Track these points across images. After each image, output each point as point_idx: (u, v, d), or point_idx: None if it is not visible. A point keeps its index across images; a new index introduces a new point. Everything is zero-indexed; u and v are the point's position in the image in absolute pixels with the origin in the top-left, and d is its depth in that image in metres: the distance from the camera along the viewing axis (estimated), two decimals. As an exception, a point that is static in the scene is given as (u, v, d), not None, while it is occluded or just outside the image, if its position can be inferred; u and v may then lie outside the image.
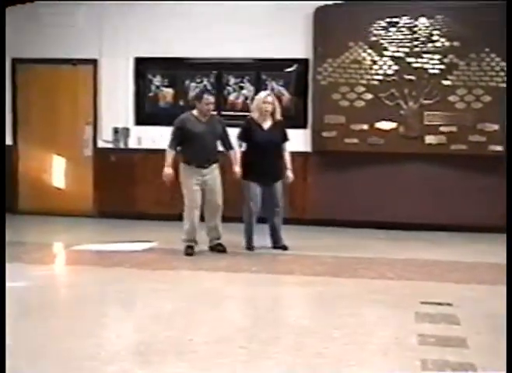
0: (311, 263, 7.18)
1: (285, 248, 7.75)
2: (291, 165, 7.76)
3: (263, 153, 7.53)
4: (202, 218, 7.60)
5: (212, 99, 7.52)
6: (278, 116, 7.74)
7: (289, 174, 7.73)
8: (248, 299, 5.73)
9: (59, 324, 4.93)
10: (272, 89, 9.47)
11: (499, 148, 8.94)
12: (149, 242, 8.14)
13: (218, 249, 7.59)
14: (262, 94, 7.86)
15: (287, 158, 7.74)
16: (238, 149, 7.66)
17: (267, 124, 7.69)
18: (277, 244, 7.80)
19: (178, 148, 7.54)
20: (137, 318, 5.13)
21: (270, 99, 7.71)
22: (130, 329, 4.87)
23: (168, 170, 7.48)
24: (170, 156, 7.50)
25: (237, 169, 7.58)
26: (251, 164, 7.59)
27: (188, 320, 5.02)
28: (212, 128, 7.48)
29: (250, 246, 7.73)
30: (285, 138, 7.75)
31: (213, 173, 7.49)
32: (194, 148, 7.39)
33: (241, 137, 7.69)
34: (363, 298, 5.75)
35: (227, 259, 7.24)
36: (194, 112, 7.56)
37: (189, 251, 7.46)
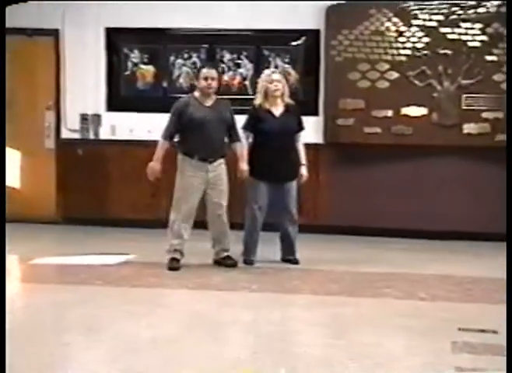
0: (323, 279, 7.16)
1: (295, 262, 7.71)
2: (306, 159, 7.69)
3: (275, 145, 7.47)
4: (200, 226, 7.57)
5: (212, 72, 7.39)
6: (287, 99, 7.66)
7: (303, 171, 7.67)
8: (247, 325, 5.68)
9: (10, 356, 4.85)
10: (276, 67, 9.42)
11: (556, 138, 8.87)
12: (125, 254, 8.12)
13: (226, 263, 7.55)
14: (266, 72, 7.78)
15: (301, 151, 7.68)
16: (245, 142, 7.58)
17: (278, 110, 7.62)
18: (288, 256, 7.76)
19: (176, 138, 7.48)
20: (107, 349, 5.07)
21: (277, 76, 7.64)
22: (99, 362, 4.81)
23: (155, 164, 7.41)
24: (161, 147, 7.45)
25: (245, 166, 7.51)
26: (260, 158, 7.52)
27: (172, 352, 4.95)
28: (218, 114, 7.39)
29: (248, 260, 7.67)
30: (300, 127, 7.69)
31: (218, 170, 7.42)
32: (196, 137, 7.31)
33: (248, 128, 7.61)
34: (387, 322, 5.70)
35: (221, 275, 7.23)
36: (196, 93, 7.50)
37: (174, 264, 7.42)
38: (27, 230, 9.49)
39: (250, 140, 7.62)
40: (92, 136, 9.94)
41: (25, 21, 9.77)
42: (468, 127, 9.14)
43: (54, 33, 9.87)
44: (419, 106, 9.19)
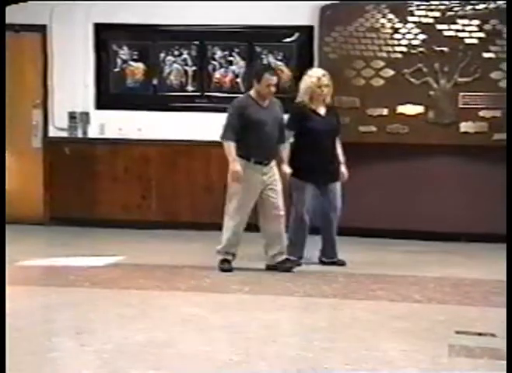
0: (316, 281, 7.15)
1: (342, 263, 7.80)
2: (344, 158, 7.77)
3: (323, 145, 7.57)
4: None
5: (275, 79, 7.36)
6: (329, 100, 7.74)
7: (344, 169, 7.75)
8: (240, 327, 5.67)
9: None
10: (269, 65, 9.43)
11: (555, 137, 8.90)
12: (114, 255, 8.10)
13: (285, 267, 7.47)
14: (315, 73, 7.76)
15: (340, 150, 7.77)
16: (287, 144, 7.59)
17: (322, 110, 7.69)
18: (333, 257, 7.83)
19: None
20: (96, 353, 5.04)
21: (326, 81, 7.66)
22: (88, 366, 4.80)
23: (238, 166, 7.26)
24: (233, 149, 7.28)
25: (288, 168, 7.53)
26: (309, 160, 7.54)
27: (162, 355, 4.95)
28: (274, 115, 7.42)
29: (297, 261, 7.67)
30: (340, 127, 7.80)
31: (273, 171, 7.42)
32: (255, 139, 7.26)
33: (292, 127, 7.61)
34: (382, 326, 5.70)
35: (212, 277, 7.22)
36: (252, 93, 7.44)
37: (226, 266, 7.42)
38: (14, 231, 9.37)
39: (291, 140, 7.64)
40: (80, 135, 9.92)
41: (12, 16, 9.71)
42: (465, 126, 9.15)
43: (42, 29, 9.85)
44: (415, 104, 9.20)
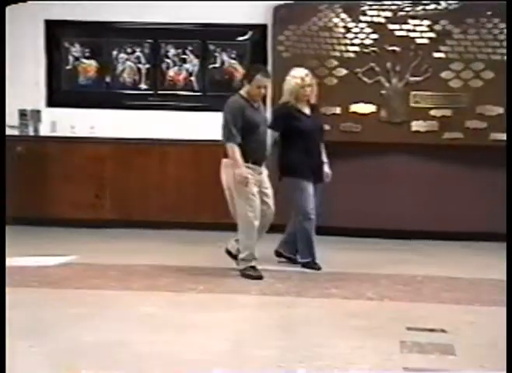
0: (271, 279, 7.17)
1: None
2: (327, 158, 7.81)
3: (312, 145, 7.61)
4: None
5: (265, 81, 7.25)
6: (314, 99, 7.76)
7: (327, 170, 7.78)
8: (195, 326, 5.67)
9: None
10: (222, 63, 9.48)
11: (503, 136, 9.05)
12: (67, 255, 8.05)
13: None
14: (298, 73, 7.69)
15: (323, 150, 7.81)
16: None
17: (307, 110, 7.72)
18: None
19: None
20: (49, 354, 5.01)
21: (309, 80, 7.66)
22: (40, 368, 4.76)
23: (245, 170, 7.11)
24: (237, 152, 7.11)
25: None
26: (301, 159, 7.55)
27: (115, 355, 4.93)
28: (264, 116, 7.49)
29: (315, 264, 7.67)
30: (321, 123, 7.87)
31: (265, 172, 7.44)
32: (254, 140, 7.23)
33: (277, 127, 7.61)
34: (336, 323, 5.74)
35: (167, 277, 7.21)
36: (243, 93, 7.30)
37: (256, 273, 7.26)
38: (-36, 230, 9.35)
39: (276, 140, 7.65)
40: (31, 132, 9.84)
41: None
42: (417, 125, 9.26)
43: (-9, 26, 9.74)
44: (368, 103, 9.29)
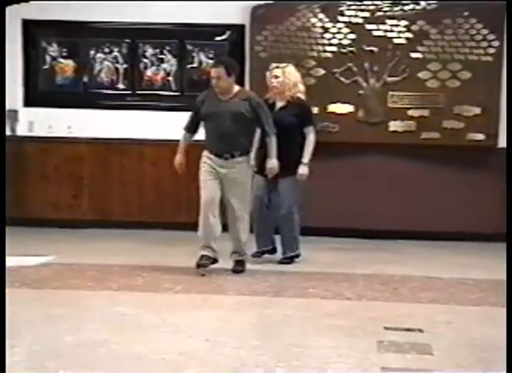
0: (248, 279, 7.19)
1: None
2: (308, 157, 7.73)
3: (278, 140, 7.53)
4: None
5: (214, 69, 7.27)
6: (289, 93, 7.74)
7: (300, 169, 7.71)
8: (172, 326, 5.67)
9: None
10: (200, 63, 9.48)
11: (480, 136, 9.11)
12: (45, 255, 8.02)
13: (234, 268, 7.48)
14: (271, 66, 7.88)
15: (306, 147, 7.72)
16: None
17: (280, 104, 7.77)
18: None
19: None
20: (26, 355, 4.99)
21: (276, 71, 7.74)
22: (17, 369, 4.74)
23: (178, 157, 7.44)
24: (182, 138, 7.50)
25: (271, 163, 7.45)
26: (258, 151, 7.66)
27: (93, 355, 4.93)
28: (233, 108, 7.24)
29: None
30: (303, 122, 7.74)
31: (236, 167, 7.29)
32: (211, 131, 7.33)
33: None
34: (314, 323, 5.76)
35: (145, 276, 7.21)
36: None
37: (202, 261, 7.28)
38: None
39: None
40: (8, 132, 9.78)
41: None
42: (394, 125, 9.28)
43: (-33, 25, 9.69)
44: (345, 103, 9.31)
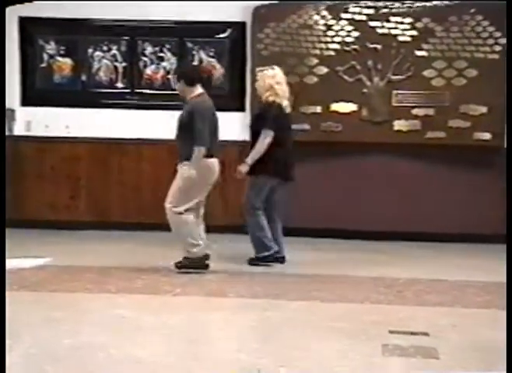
0: (249, 282, 7.20)
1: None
2: (252, 156, 7.77)
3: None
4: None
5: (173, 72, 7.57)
6: (263, 97, 7.86)
7: (241, 166, 7.80)
8: (172, 330, 5.68)
9: None
10: (201, 62, 9.48)
11: (486, 135, 9.10)
12: (42, 257, 8.03)
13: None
14: (270, 72, 7.95)
15: (254, 149, 7.79)
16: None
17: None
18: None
19: None
20: (24, 358, 5.00)
21: (258, 75, 7.96)
22: (15, 371, 4.74)
23: None
24: None
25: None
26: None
27: (91, 359, 4.92)
28: (183, 115, 7.50)
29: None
30: (257, 123, 7.87)
31: (180, 170, 7.49)
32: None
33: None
34: (316, 326, 5.75)
35: (144, 279, 7.20)
36: None
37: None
38: None
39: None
40: (6, 132, 9.78)
41: None
42: (399, 124, 9.27)
43: (-37, 23, 9.70)
44: (349, 102, 9.30)
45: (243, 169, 7.77)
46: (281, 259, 7.95)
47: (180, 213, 7.40)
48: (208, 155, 7.38)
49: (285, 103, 7.82)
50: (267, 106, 7.83)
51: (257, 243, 7.87)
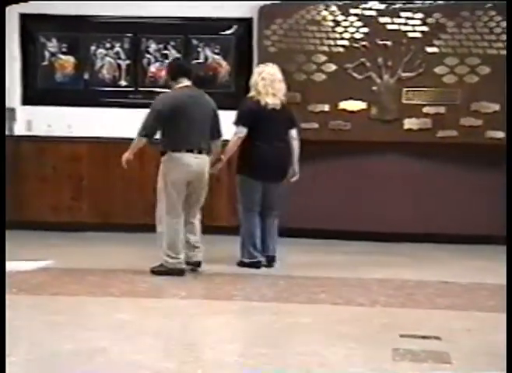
0: (256, 284, 7.22)
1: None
2: (225, 153, 7.84)
3: None
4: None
5: None
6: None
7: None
8: (176, 334, 5.67)
9: None
10: (206, 59, 9.47)
11: (499, 134, 9.05)
12: (43, 259, 8.01)
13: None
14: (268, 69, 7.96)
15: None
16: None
17: None
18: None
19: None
20: (24, 364, 4.98)
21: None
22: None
23: None
24: None
25: None
26: None
27: (92, 364, 4.89)
28: None
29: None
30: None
31: None
32: None
33: None
34: (325, 330, 5.72)
35: (147, 282, 7.18)
36: None
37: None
38: None
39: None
40: (6, 132, 9.78)
41: None
42: (409, 123, 9.25)
43: (-38, 20, 9.70)
44: (358, 100, 9.27)
45: (218, 165, 7.82)
46: (269, 259, 7.85)
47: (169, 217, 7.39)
48: (176, 149, 7.33)
49: (269, 100, 7.70)
50: (242, 101, 7.88)
51: (242, 248, 7.85)
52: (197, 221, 7.56)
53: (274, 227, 7.94)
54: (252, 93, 7.75)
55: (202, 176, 7.40)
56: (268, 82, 7.71)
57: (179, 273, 7.33)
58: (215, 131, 7.57)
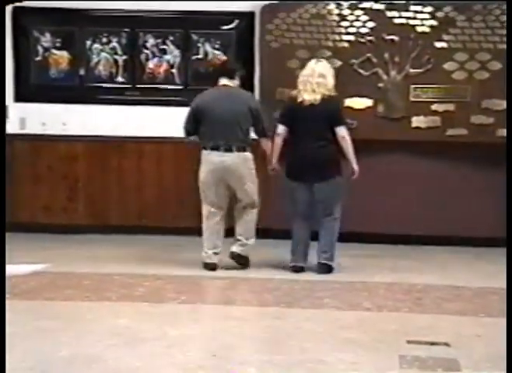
0: (257, 288, 7.22)
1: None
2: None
3: None
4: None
5: None
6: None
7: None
8: (175, 340, 5.67)
9: None
10: (206, 54, 9.48)
11: (511, 132, 9.06)
12: (37, 263, 8.04)
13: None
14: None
15: None
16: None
17: None
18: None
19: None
20: (20, 371, 4.99)
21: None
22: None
23: None
24: None
25: None
26: None
27: (93, 371, 4.92)
28: None
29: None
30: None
31: None
32: None
33: None
34: (329, 336, 5.73)
35: (147, 286, 7.21)
36: None
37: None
38: None
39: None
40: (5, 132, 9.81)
41: None
42: (417, 121, 9.26)
43: (-47, 13, 9.72)
44: (364, 97, 9.29)
45: (270, 166, 8.06)
46: (319, 266, 7.87)
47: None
48: (204, 147, 7.76)
49: (306, 97, 7.74)
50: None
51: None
52: (248, 217, 7.96)
53: (326, 231, 7.92)
54: (293, 92, 7.90)
55: (233, 173, 7.73)
56: (306, 78, 7.79)
57: (206, 266, 7.76)
58: (258, 130, 7.92)
